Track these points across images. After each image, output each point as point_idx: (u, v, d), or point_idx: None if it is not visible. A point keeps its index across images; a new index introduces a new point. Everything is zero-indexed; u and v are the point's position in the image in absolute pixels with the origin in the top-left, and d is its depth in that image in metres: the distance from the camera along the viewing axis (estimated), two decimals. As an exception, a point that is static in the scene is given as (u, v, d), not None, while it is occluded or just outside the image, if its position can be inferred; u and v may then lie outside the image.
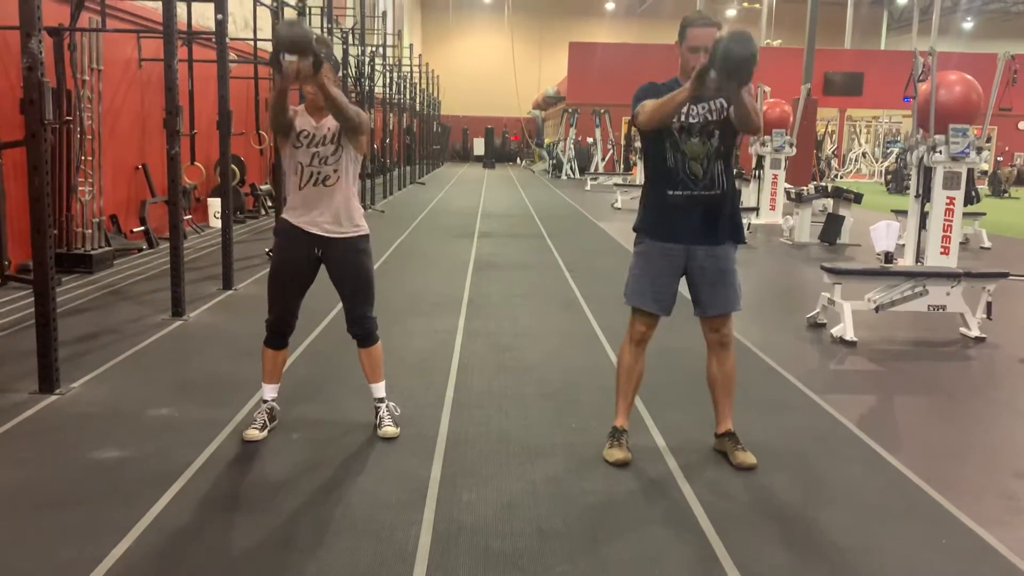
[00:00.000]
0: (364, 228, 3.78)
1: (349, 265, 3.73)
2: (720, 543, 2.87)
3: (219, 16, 6.93)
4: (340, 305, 3.84)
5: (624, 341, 3.67)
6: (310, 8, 11.20)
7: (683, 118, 3.41)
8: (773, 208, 13.21)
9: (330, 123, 3.62)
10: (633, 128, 24.52)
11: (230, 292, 7.05)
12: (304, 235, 3.66)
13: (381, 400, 3.87)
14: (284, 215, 3.77)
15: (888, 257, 6.20)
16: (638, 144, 23.02)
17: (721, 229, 3.49)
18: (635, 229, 3.62)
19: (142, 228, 9.36)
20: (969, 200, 7.71)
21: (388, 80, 21.23)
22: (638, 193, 18.46)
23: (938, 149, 7.31)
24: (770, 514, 3.18)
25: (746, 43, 3.01)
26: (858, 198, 11.65)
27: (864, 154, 33.36)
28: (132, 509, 3.00)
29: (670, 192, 3.45)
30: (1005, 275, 6.31)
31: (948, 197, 7.41)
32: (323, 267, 3.75)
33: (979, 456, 3.93)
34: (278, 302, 3.77)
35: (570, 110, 29.09)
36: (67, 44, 7.67)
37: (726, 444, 3.62)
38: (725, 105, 3.39)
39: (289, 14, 10.26)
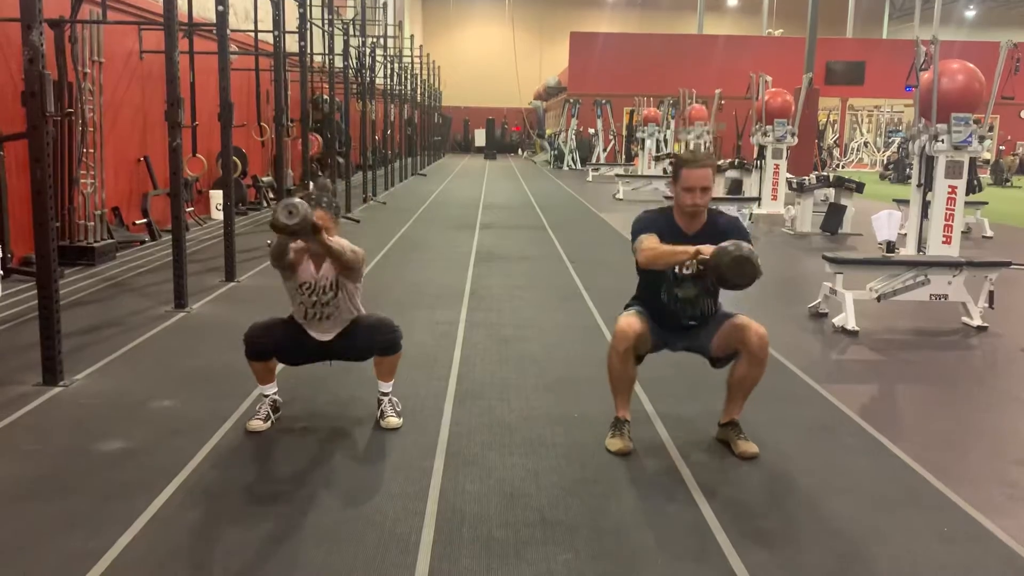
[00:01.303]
0: (361, 311, 3.87)
1: (355, 334, 3.80)
2: (723, 532, 2.88)
3: (220, 8, 6.91)
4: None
5: (610, 347, 3.59)
6: (310, 0, 11.17)
7: (678, 268, 3.52)
8: (775, 198, 13.18)
9: (329, 273, 3.70)
10: (635, 121, 24.26)
11: (233, 284, 7.06)
12: (306, 334, 3.80)
13: (385, 394, 3.88)
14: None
15: (890, 246, 6.20)
16: (639, 135, 23.02)
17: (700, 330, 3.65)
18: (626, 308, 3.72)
19: (144, 220, 9.37)
20: (971, 189, 7.70)
21: (389, 71, 21.20)
22: (640, 184, 18.38)
23: (940, 138, 7.29)
24: (773, 503, 3.19)
25: (744, 274, 3.23)
26: (860, 188, 11.63)
27: (866, 143, 33.28)
28: (136, 501, 3.01)
29: (662, 296, 3.61)
30: (1007, 264, 6.30)
31: (950, 186, 7.38)
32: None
33: (981, 444, 3.94)
34: (265, 337, 3.75)
35: (571, 100, 29.02)
36: (68, 36, 7.65)
37: (729, 433, 3.62)
38: None
39: (290, 6, 10.23)
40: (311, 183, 3.75)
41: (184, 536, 2.82)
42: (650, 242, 3.47)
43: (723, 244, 3.29)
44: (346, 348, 3.83)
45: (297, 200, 3.37)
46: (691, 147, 19.54)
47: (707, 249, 3.32)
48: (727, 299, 3.71)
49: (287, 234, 3.39)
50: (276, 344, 3.78)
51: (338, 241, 3.59)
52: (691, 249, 3.36)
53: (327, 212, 3.61)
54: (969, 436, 4.05)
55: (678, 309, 3.59)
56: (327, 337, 3.81)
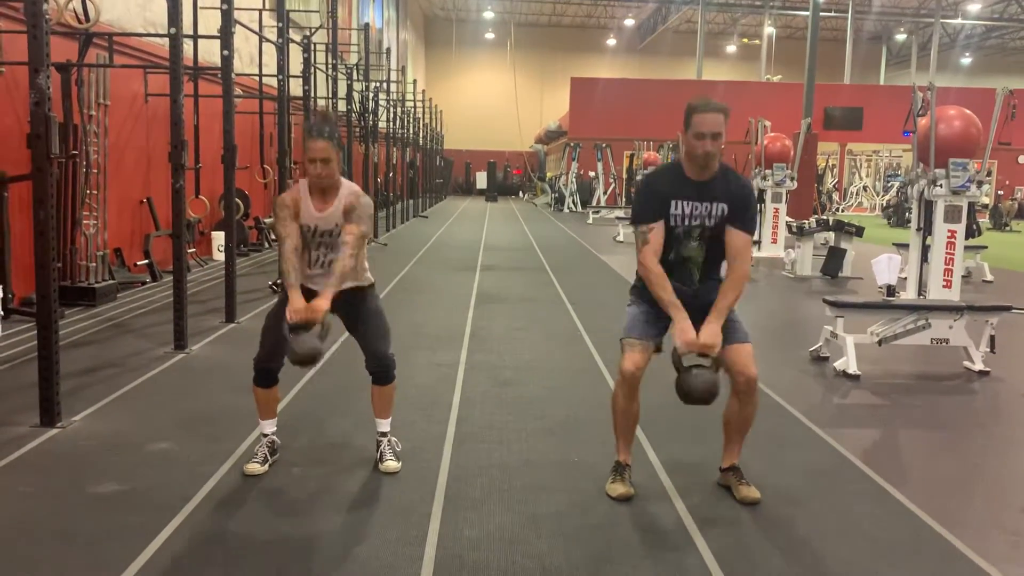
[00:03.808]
0: (370, 278, 3.81)
1: (360, 310, 3.76)
2: (724, 579, 2.84)
3: (225, 52, 7.01)
4: (343, 339, 3.84)
5: (616, 385, 3.58)
6: (315, 45, 11.32)
7: (686, 221, 3.47)
8: (775, 241, 13.23)
9: (336, 216, 3.60)
10: (635, 164, 24.33)
11: (233, 325, 7.06)
12: (312, 292, 3.64)
13: (384, 435, 3.86)
14: None
15: (890, 290, 6.20)
16: (639, 177, 23.16)
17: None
18: (631, 291, 3.68)
19: (146, 261, 9.39)
20: (970, 233, 7.73)
21: (392, 115, 21.41)
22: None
23: (939, 183, 7.33)
24: (774, 550, 3.15)
25: (708, 395, 3.32)
26: (859, 231, 11.68)
27: (865, 188, 33.49)
28: (132, 544, 2.98)
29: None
30: (1008, 308, 6.30)
31: (949, 230, 7.41)
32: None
33: (984, 491, 3.90)
34: (268, 341, 3.72)
35: (572, 144, 29.26)
36: (75, 80, 7.76)
37: (730, 478, 3.60)
38: (725, 211, 3.46)
39: (294, 51, 10.37)
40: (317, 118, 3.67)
41: (179, 581, 2.78)
42: (649, 257, 3.44)
43: (689, 367, 3.36)
44: (348, 314, 3.74)
45: (312, 339, 3.42)
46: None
47: (682, 331, 3.34)
48: (743, 305, 3.69)
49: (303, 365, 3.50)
50: (279, 338, 3.64)
51: (340, 272, 3.52)
52: (677, 320, 3.37)
53: (328, 142, 3.48)
54: (972, 482, 4.02)
55: (684, 275, 3.51)
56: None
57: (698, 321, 3.40)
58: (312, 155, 3.48)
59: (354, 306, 3.75)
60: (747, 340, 3.50)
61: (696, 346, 3.33)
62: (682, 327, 3.35)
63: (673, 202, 3.45)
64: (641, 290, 3.60)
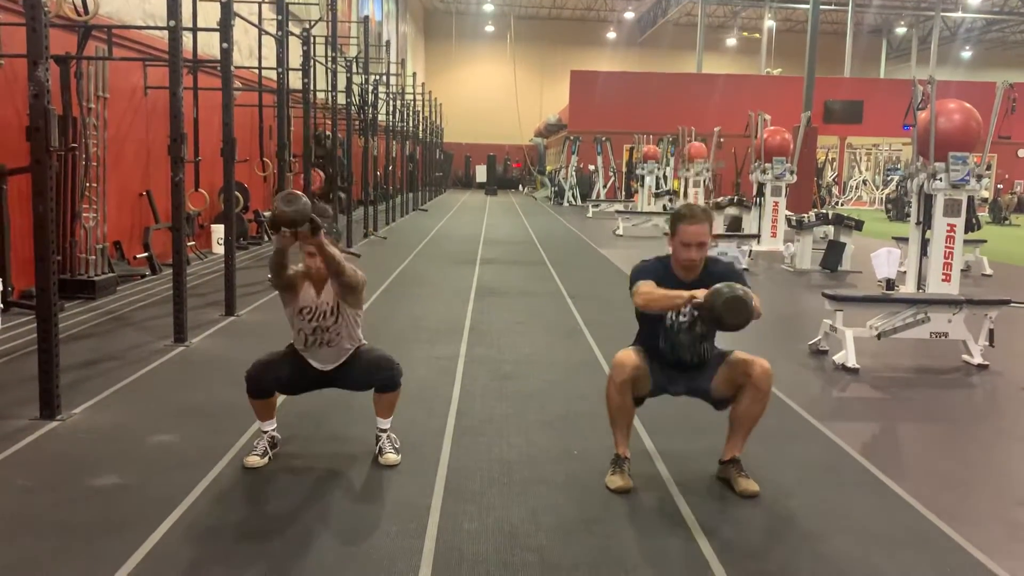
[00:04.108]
0: (362, 340, 3.88)
1: (358, 367, 3.80)
2: (723, 572, 2.85)
3: (224, 45, 6.99)
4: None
5: (608, 379, 3.60)
6: (314, 37, 11.30)
7: (675, 315, 3.56)
8: (774, 235, 13.24)
9: (329, 298, 3.71)
10: (635, 158, 24.48)
11: (233, 318, 7.06)
12: (306, 363, 3.80)
13: (384, 430, 3.86)
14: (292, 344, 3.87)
15: (889, 284, 6.20)
16: (639, 171, 23.15)
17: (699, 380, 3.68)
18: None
19: (145, 254, 9.39)
20: (970, 227, 7.73)
21: (391, 108, 21.38)
22: (640, 220, 18.43)
23: (938, 177, 7.33)
24: (773, 542, 3.15)
25: (739, 313, 3.29)
26: (859, 225, 11.68)
27: (864, 182, 33.48)
28: (131, 537, 2.98)
29: (660, 347, 3.64)
30: (1007, 302, 6.30)
31: (949, 224, 7.42)
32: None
33: (983, 484, 3.91)
34: (267, 373, 3.75)
35: (572, 137, 29.25)
36: (74, 72, 7.74)
37: (730, 471, 3.60)
38: None
39: (294, 43, 10.35)
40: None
41: (179, 573, 2.79)
42: (647, 287, 3.53)
43: (717, 286, 3.34)
44: (346, 378, 3.83)
45: (296, 191, 3.43)
46: (691, 184, 19.66)
47: (701, 293, 3.37)
48: (728, 338, 3.70)
49: (287, 226, 3.41)
50: (277, 378, 3.77)
51: (338, 253, 3.60)
52: (686, 294, 3.42)
53: (327, 236, 3.59)
54: (971, 476, 4.02)
55: (677, 355, 3.62)
56: (328, 367, 3.81)
57: (703, 372, 3.62)
58: (310, 249, 3.60)
59: (352, 368, 3.82)
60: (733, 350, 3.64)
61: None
62: (696, 292, 3.40)
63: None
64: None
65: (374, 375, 3.77)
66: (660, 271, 3.63)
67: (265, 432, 3.81)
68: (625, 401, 3.57)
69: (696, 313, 3.46)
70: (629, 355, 3.54)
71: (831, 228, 12.00)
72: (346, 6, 23.53)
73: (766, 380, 3.50)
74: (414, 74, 29.15)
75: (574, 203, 28.01)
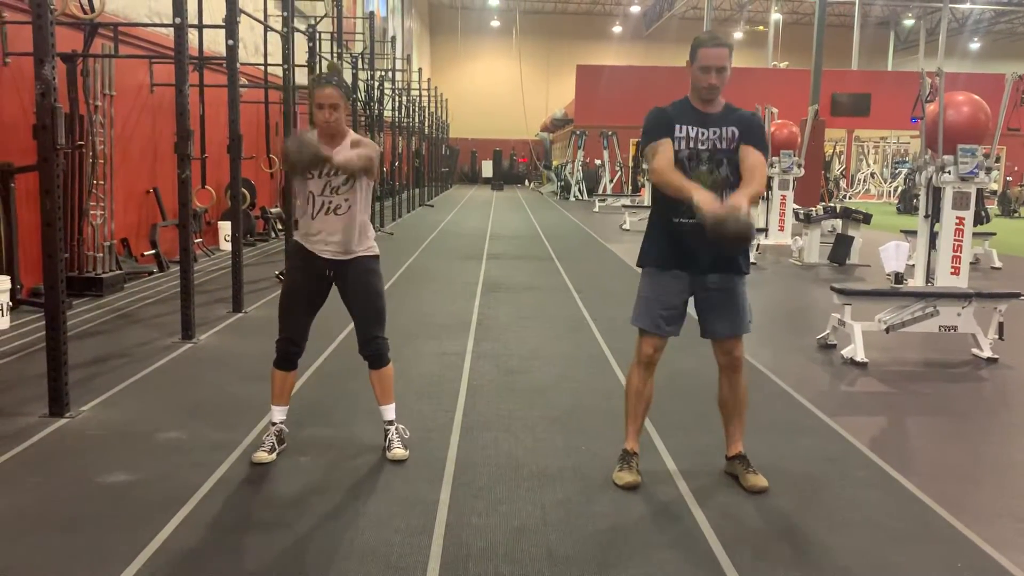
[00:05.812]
0: (374, 248, 3.81)
1: (360, 285, 3.76)
2: (732, 567, 2.84)
3: (230, 42, 7.00)
4: (350, 327, 3.85)
5: (632, 364, 3.65)
6: (320, 34, 11.29)
7: (692, 144, 3.43)
8: (782, 229, 13.19)
9: (343, 152, 3.62)
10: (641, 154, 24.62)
11: (240, 315, 7.07)
12: (316, 258, 3.72)
13: (391, 423, 3.87)
14: (296, 238, 3.81)
15: (898, 278, 6.18)
16: (645, 166, 23.08)
17: (727, 259, 3.49)
18: (639, 264, 3.64)
19: (153, 251, 9.41)
20: (979, 220, 7.69)
21: (397, 104, 21.37)
22: (646, 214, 18.42)
23: (947, 169, 7.30)
24: (782, 538, 3.15)
25: (742, 246, 3.27)
26: (867, 219, 11.63)
27: (872, 174, 33.36)
28: (141, 533, 2.99)
29: (675, 220, 3.44)
30: (1017, 295, 6.27)
31: (958, 217, 7.39)
32: (334, 288, 3.78)
33: (992, 478, 3.89)
34: (289, 322, 3.79)
35: (578, 132, 29.20)
36: (80, 70, 7.76)
37: (737, 467, 3.60)
38: (736, 134, 3.42)
39: (299, 40, 10.36)
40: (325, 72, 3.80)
41: (189, 569, 2.79)
42: (661, 162, 3.38)
43: (725, 215, 3.08)
44: (344, 281, 3.75)
45: (306, 136, 3.46)
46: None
47: (704, 201, 3.13)
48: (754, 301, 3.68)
49: (300, 166, 3.44)
50: (297, 320, 3.75)
51: (347, 157, 3.56)
52: (693, 192, 3.19)
53: (337, 88, 3.58)
54: (980, 470, 4.01)
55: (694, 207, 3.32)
56: (334, 254, 3.69)
57: (713, 256, 3.43)
58: (320, 101, 3.57)
59: (355, 278, 3.75)
60: (737, 333, 3.54)
61: (724, 208, 3.14)
62: (703, 197, 3.17)
63: (678, 126, 3.44)
64: (657, 256, 3.53)
65: (363, 326, 3.76)
66: (676, 112, 3.47)
67: (274, 424, 3.82)
68: (645, 388, 3.60)
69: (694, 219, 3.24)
70: (652, 342, 3.55)
71: (839, 222, 11.96)
72: (351, 2, 23.52)
73: (733, 366, 3.57)
74: (420, 70, 29.11)
75: (580, 198, 27.98)
